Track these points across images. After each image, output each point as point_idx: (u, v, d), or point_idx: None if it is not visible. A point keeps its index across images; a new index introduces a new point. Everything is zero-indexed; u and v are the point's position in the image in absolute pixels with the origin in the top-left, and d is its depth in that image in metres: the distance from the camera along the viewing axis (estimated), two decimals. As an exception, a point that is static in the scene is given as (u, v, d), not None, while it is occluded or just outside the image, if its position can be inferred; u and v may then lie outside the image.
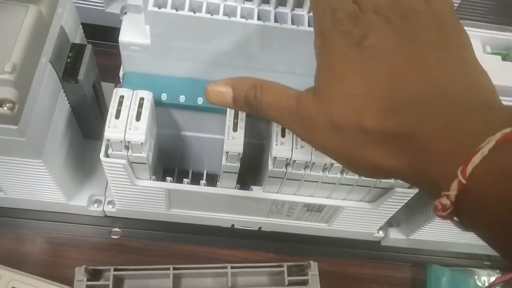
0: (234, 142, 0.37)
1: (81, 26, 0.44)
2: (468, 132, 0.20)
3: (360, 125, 0.22)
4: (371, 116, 0.22)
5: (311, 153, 0.37)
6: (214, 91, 0.28)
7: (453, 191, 0.19)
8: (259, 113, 0.27)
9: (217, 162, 0.41)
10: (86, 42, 0.45)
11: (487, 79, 0.23)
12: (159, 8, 0.34)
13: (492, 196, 0.18)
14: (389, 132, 0.22)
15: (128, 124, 0.36)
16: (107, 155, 0.37)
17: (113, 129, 0.35)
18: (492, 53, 0.42)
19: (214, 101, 0.28)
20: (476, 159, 0.18)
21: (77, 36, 0.43)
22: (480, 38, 0.42)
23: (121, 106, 0.36)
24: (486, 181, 0.18)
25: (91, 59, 0.41)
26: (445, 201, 0.19)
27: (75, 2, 0.53)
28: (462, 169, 0.19)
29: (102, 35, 0.56)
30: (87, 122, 0.46)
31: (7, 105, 0.32)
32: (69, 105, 0.42)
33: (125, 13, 0.37)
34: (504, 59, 0.42)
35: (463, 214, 0.20)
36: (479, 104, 0.21)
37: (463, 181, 0.18)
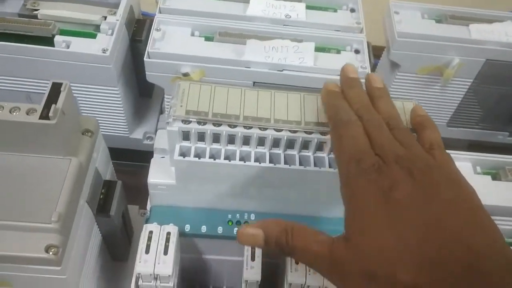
0: (253, 271, 0.40)
1: (111, 162, 0.49)
2: None
3: (393, 276, 0.23)
4: (404, 270, 0.23)
5: (324, 278, 0.40)
6: (245, 233, 0.29)
7: None
8: (291, 256, 0.28)
9: (235, 279, 0.45)
10: (115, 175, 0.51)
11: (496, 227, 0.25)
12: (184, 157, 0.39)
13: None
14: (421, 286, 0.23)
15: (157, 258, 0.39)
16: (137, 286, 0.41)
17: (143, 264, 0.39)
18: (483, 173, 0.46)
19: (245, 242, 0.30)
20: None
21: (108, 172, 0.48)
22: (470, 160, 0.46)
23: (150, 241, 0.40)
24: None
25: (122, 194, 0.46)
26: None
27: (102, 131, 0.59)
28: None
29: (127, 157, 0.62)
30: (116, 247, 0.50)
31: (52, 250, 0.36)
32: (100, 235, 0.46)
33: (152, 158, 0.43)
34: (494, 178, 0.45)
35: None
36: (505, 265, 0.23)
37: None
